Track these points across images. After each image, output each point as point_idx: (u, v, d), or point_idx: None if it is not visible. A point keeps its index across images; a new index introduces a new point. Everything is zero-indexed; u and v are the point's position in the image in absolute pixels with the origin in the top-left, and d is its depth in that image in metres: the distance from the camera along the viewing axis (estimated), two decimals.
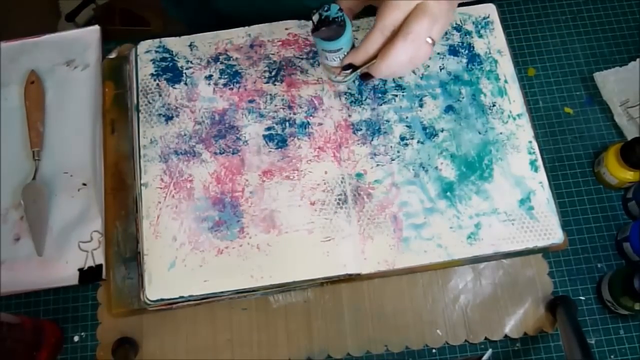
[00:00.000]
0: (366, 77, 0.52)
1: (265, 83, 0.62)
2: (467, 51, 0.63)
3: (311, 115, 0.61)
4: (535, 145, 0.59)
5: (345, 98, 0.62)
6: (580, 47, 0.74)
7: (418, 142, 0.60)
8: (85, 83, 0.70)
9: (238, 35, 0.64)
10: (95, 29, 0.72)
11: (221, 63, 0.63)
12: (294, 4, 0.66)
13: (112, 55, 0.69)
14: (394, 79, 0.62)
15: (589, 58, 0.74)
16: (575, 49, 0.74)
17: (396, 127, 0.61)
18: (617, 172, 0.65)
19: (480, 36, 0.64)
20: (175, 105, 0.62)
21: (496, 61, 0.62)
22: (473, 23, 0.64)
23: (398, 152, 0.60)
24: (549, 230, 0.56)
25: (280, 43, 0.64)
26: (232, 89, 0.62)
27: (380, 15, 0.46)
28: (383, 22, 0.46)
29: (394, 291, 0.64)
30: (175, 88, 0.62)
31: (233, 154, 0.60)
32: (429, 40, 0.47)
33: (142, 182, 0.59)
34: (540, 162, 0.59)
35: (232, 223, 0.57)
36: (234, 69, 0.63)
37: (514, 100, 0.61)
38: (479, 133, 0.60)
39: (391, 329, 0.63)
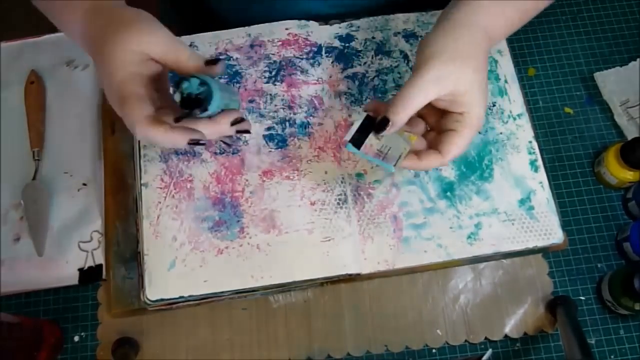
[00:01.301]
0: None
1: (265, 83, 0.62)
2: None
3: (311, 115, 0.61)
4: (535, 145, 0.59)
5: (346, 98, 0.62)
6: (580, 47, 0.74)
7: None
8: (85, 83, 0.70)
9: (238, 35, 0.64)
10: None
11: None
12: (290, 7, 0.66)
13: None
14: (394, 79, 0.62)
15: (589, 58, 0.74)
16: (575, 49, 0.74)
17: None
18: (617, 172, 0.65)
19: None
20: None
21: (496, 61, 0.62)
22: None
23: None
24: (549, 230, 0.56)
25: (280, 43, 0.64)
26: None
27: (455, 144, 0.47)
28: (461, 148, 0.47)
29: (394, 291, 0.64)
30: None
31: (233, 154, 0.60)
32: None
33: (142, 182, 0.59)
34: (540, 162, 0.59)
35: (232, 223, 0.57)
36: (234, 69, 0.63)
37: (514, 100, 0.61)
38: (479, 133, 0.60)
39: (391, 329, 0.63)
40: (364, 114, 0.50)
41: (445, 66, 0.45)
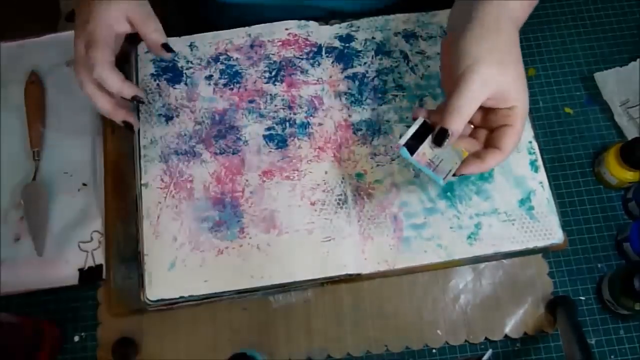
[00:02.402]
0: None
1: (265, 83, 0.62)
2: None
3: (311, 116, 0.61)
4: (535, 145, 0.59)
5: (346, 98, 0.62)
6: (580, 47, 0.74)
7: None
8: None
9: (238, 35, 0.64)
10: None
11: (221, 63, 0.63)
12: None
13: None
14: (394, 79, 0.62)
15: (589, 58, 0.74)
16: (575, 49, 0.74)
17: (396, 127, 0.60)
18: (617, 172, 0.65)
19: None
20: (176, 105, 0.62)
21: None
22: None
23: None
24: (549, 230, 0.56)
25: (280, 43, 0.64)
26: (232, 89, 0.62)
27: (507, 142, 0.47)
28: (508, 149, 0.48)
29: (394, 291, 0.64)
30: (175, 88, 0.62)
31: (233, 154, 0.60)
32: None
33: (142, 182, 0.59)
34: (540, 162, 0.59)
35: (232, 223, 0.57)
36: (234, 69, 0.63)
37: None
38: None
39: (391, 329, 0.63)
40: (421, 120, 0.49)
41: (489, 70, 0.45)
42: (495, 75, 0.46)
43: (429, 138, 0.48)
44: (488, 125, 0.49)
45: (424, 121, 0.49)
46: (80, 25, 0.53)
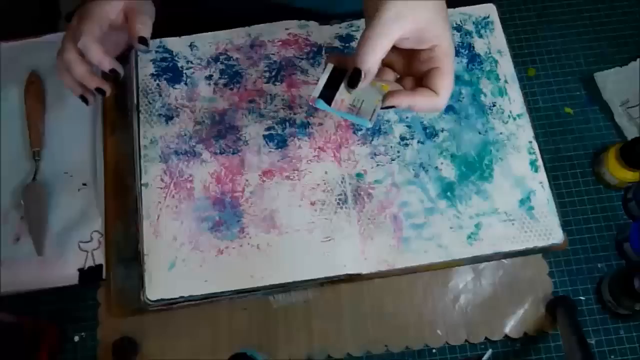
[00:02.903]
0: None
1: (265, 83, 0.62)
2: (467, 51, 0.63)
3: (311, 115, 0.61)
4: (535, 145, 0.59)
5: None
6: (580, 47, 0.74)
7: (418, 142, 0.60)
8: None
9: (238, 35, 0.64)
10: None
11: (221, 63, 0.63)
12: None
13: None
14: None
15: (589, 58, 0.74)
16: (575, 49, 0.74)
17: (396, 127, 0.61)
18: (617, 172, 0.65)
19: (480, 36, 0.64)
20: (176, 105, 0.62)
21: (496, 61, 0.63)
22: (473, 23, 0.64)
23: (398, 152, 0.60)
24: (549, 230, 0.56)
25: (280, 43, 0.64)
26: (232, 89, 0.62)
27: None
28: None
29: (394, 291, 0.63)
30: (175, 88, 0.62)
31: (233, 154, 0.60)
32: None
33: (142, 182, 0.59)
34: (540, 162, 0.59)
35: (232, 223, 0.57)
36: (234, 69, 0.63)
37: (514, 100, 0.61)
38: (479, 133, 0.60)
39: (391, 329, 0.63)
40: (330, 67, 0.46)
41: (403, 3, 0.43)
42: (411, 10, 0.43)
43: (344, 83, 0.45)
44: (414, 73, 0.47)
45: (334, 67, 0.47)
46: (81, 5, 0.56)
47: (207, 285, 0.55)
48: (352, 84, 0.45)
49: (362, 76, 0.44)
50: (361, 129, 0.60)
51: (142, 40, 0.56)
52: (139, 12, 0.56)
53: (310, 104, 0.49)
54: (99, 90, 0.57)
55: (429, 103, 0.46)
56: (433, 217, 0.57)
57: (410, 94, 0.46)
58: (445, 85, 0.45)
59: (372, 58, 0.44)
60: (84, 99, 0.60)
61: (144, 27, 0.56)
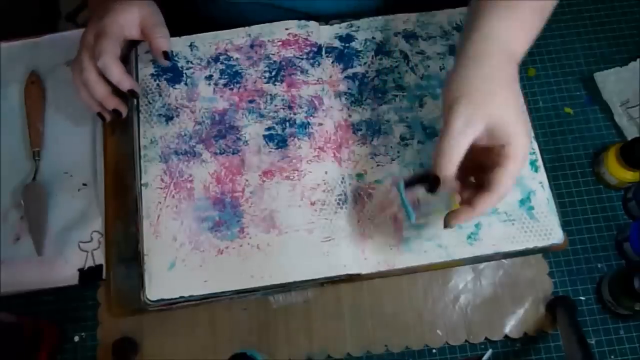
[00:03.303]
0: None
1: (265, 83, 0.62)
2: None
3: (311, 116, 0.61)
4: (535, 145, 0.59)
5: (346, 98, 0.62)
6: (580, 47, 0.74)
7: (418, 142, 0.60)
8: None
9: (238, 35, 0.64)
10: None
11: (221, 63, 0.63)
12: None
13: None
14: (393, 79, 0.62)
15: (589, 58, 0.74)
16: (575, 49, 0.74)
17: (396, 127, 0.61)
18: (617, 172, 0.65)
19: None
20: (176, 105, 0.62)
21: None
22: None
23: (398, 152, 0.60)
24: (549, 230, 0.56)
25: (280, 43, 0.64)
26: (232, 89, 0.62)
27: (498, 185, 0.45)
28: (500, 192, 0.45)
29: (394, 291, 0.63)
30: (175, 88, 0.62)
31: (233, 154, 0.60)
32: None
33: (142, 182, 0.59)
34: (540, 162, 0.59)
35: (232, 223, 0.57)
36: (234, 69, 0.63)
37: None
38: None
39: (391, 329, 0.63)
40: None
41: (472, 106, 0.43)
42: (480, 111, 0.43)
43: (424, 186, 0.48)
44: (478, 165, 0.47)
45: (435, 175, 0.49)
46: (94, 20, 0.58)
47: (207, 285, 0.55)
48: (432, 189, 0.46)
49: (441, 184, 0.45)
50: (361, 129, 0.60)
51: (166, 56, 0.59)
52: (154, 24, 0.58)
53: (393, 181, 0.58)
54: (116, 111, 0.59)
55: (486, 206, 0.46)
56: (433, 217, 0.57)
57: (470, 211, 0.46)
58: (497, 187, 0.44)
59: (448, 165, 0.44)
60: (101, 117, 0.61)
61: (165, 41, 0.59)
